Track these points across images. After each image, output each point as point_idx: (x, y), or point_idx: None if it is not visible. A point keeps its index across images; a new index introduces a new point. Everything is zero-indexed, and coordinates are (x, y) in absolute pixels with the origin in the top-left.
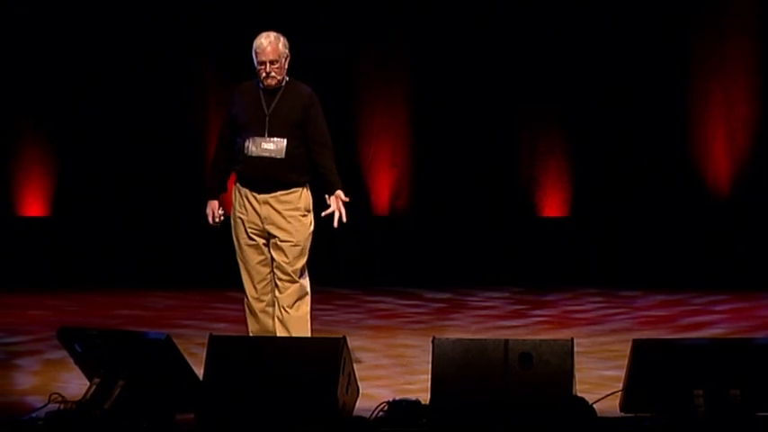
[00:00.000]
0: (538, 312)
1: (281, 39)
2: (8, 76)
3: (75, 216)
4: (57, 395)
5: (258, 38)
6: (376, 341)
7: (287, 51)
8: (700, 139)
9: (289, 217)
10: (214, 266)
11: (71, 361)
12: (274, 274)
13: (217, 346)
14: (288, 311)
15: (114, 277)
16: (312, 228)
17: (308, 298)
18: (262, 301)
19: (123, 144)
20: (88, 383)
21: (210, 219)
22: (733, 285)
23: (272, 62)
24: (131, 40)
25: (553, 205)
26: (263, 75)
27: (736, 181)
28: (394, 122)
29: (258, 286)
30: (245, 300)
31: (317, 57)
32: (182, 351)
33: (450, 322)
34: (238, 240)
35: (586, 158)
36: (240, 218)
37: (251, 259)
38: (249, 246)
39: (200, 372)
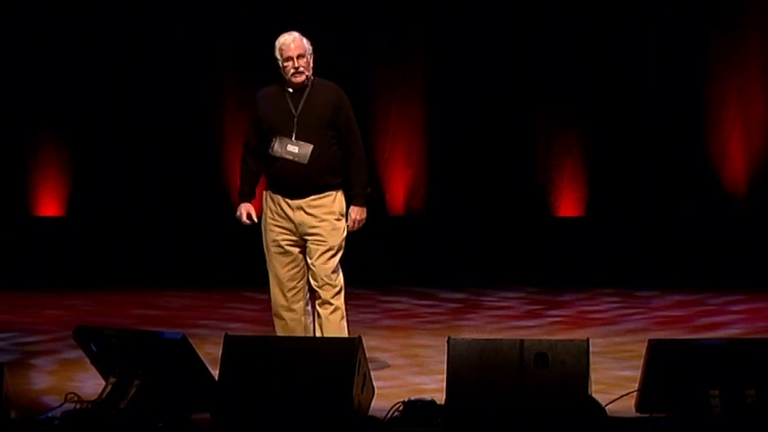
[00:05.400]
0: (553, 312)
1: (304, 37)
2: (24, 78)
3: (90, 216)
4: (73, 395)
5: (280, 38)
6: (391, 341)
7: (311, 49)
8: (715, 138)
9: (323, 221)
10: (230, 266)
11: (87, 360)
12: (309, 279)
13: (232, 346)
14: (324, 316)
15: (130, 277)
16: (346, 233)
17: (342, 294)
18: (292, 309)
19: (138, 144)
20: (104, 383)
21: (245, 218)
22: (749, 285)
23: (299, 56)
24: (146, 41)
25: (569, 205)
26: (291, 71)
27: (752, 180)
28: (409, 122)
29: (288, 295)
30: (273, 308)
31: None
32: (197, 351)
33: (466, 322)
34: (269, 248)
35: (602, 158)
36: (273, 226)
37: (283, 268)
38: (281, 254)
39: (215, 371)
